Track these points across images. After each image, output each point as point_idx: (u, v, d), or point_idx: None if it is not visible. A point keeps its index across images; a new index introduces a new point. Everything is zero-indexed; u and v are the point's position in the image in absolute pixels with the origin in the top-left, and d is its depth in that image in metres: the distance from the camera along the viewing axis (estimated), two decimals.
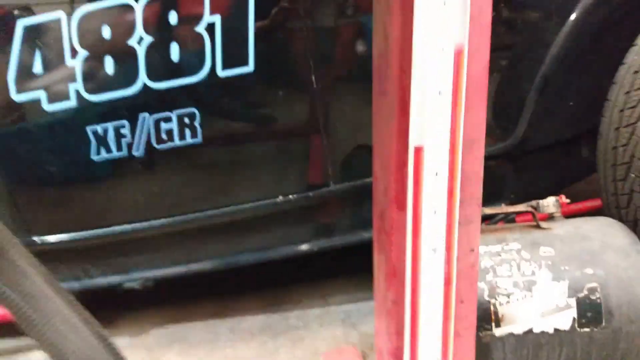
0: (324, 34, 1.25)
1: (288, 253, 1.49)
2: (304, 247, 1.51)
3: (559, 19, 1.36)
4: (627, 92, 1.18)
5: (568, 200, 1.27)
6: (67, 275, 1.52)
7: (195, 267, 1.52)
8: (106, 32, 1.15)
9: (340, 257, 1.98)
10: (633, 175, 1.17)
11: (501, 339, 1.07)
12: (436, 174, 0.49)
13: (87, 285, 1.52)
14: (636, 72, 1.17)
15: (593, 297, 1.07)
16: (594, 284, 1.08)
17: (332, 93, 1.31)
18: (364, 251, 1.65)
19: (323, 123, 1.32)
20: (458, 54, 0.45)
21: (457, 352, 0.58)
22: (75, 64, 1.17)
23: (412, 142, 0.49)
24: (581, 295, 1.07)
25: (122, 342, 1.66)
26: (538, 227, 1.19)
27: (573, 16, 1.35)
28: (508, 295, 1.08)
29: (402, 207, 0.52)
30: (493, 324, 1.07)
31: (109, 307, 1.86)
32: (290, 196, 1.36)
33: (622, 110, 1.19)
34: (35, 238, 1.40)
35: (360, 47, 1.29)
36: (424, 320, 0.53)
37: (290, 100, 1.28)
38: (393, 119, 0.52)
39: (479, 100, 0.50)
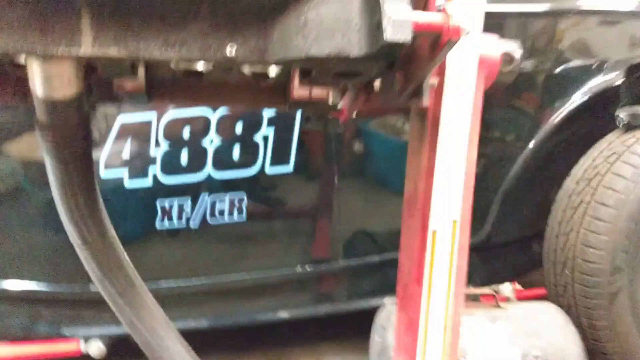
0: (348, 147, 1.67)
1: (298, 315, 1.81)
2: (310, 310, 1.83)
3: (519, 145, 1.80)
4: (564, 210, 1.61)
5: (520, 287, 1.65)
6: (109, 320, 1.79)
7: (215, 322, 1.81)
8: (186, 133, 1.53)
9: (333, 322, 2.30)
10: (567, 272, 1.57)
11: None
12: (442, 267, 0.87)
13: (127, 331, 1.79)
14: (570, 195, 1.61)
15: None
16: (538, 352, 1.43)
17: (348, 189, 1.71)
18: (356, 318, 1.98)
19: (338, 212, 1.70)
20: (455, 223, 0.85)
21: None
22: (157, 153, 1.53)
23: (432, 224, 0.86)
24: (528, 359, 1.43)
25: None
26: (498, 306, 1.56)
27: (531, 144, 1.79)
28: (474, 357, 1.43)
29: (420, 283, 0.89)
30: None
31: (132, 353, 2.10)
32: (307, 266, 1.71)
33: (559, 223, 1.61)
34: (92, 286, 1.68)
35: (369, 160, 1.71)
36: (430, 352, 0.89)
37: (317, 192, 1.67)
38: (417, 233, 0.90)
39: (465, 230, 0.89)
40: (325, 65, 0.70)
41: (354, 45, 0.65)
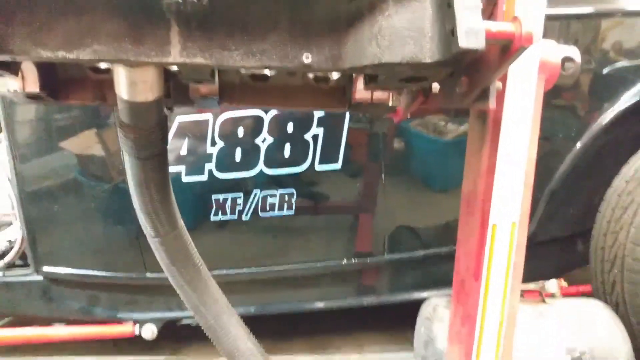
0: (392, 146, 1.70)
1: (341, 305, 1.86)
2: (353, 301, 1.88)
3: (567, 146, 1.79)
4: (613, 208, 1.60)
5: (566, 284, 1.66)
6: (162, 306, 1.89)
7: (262, 310, 1.88)
8: (240, 132, 1.59)
9: (374, 314, 2.35)
10: (616, 270, 1.57)
11: None
12: (500, 265, 0.90)
13: (178, 316, 1.88)
14: (619, 194, 1.60)
15: (584, 358, 1.44)
16: (584, 348, 1.44)
17: (392, 186, 1.74)
18: (395, 311, 2.02)
19: (382, 208, 1.74)
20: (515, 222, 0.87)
21: None
22: (213, 150, 1.60)
23: (492, 223, 0.89)
24: (575, 356, 1.44)
25: None
26: (544, 302, 1.57)
27: (578, 144, 1.78)
28: (521, 351, 1.45)
29: (478, 279, 0.92)
30: None
31: (178, 336, 2.20)
32: (352, 259, 1.76)
33: (609, 222, 1.60)
34: (149, 274, 1.78)
35: (412, 158, 1.74)
36: (485, 345, 0.92)
37: (362, 189, 1.71)
38: (476, 230, 0.93)
39: (524, 228, 0.92)
40: (396, 71, 0.73)
41: (426, 52, 0.69)
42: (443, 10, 0.68)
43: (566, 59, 0.90)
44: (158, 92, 0.84)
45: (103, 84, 0.96)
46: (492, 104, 0.77)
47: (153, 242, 1.03)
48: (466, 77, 0.78)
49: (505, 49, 0.68)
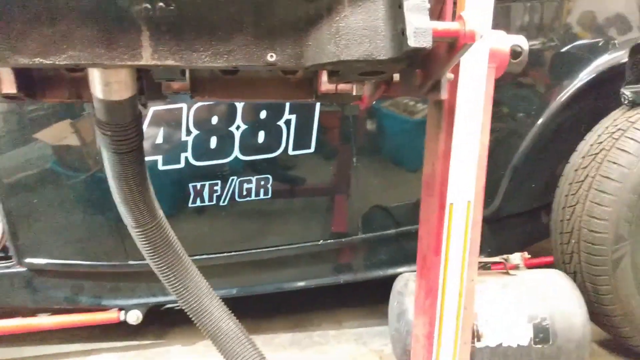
0: (363, 128, 1.77)
1: (320, 283, 1.94)
2: (331, 279, 1.97)
3: (528, 122, 1.89)
4: (570, 183, 1.70)
5: (529, 256, 1.76)
6: (145, 292, 1.94)
7: (244, 291, 1.95)
8: (214, 120, 1.64)
9: (351, 292, 2.44)
10: (573, 241, 1.67)
11: (480, 350, 1.53)
12: (457, 241, 0.97)
13: (161, 301, 1.94)
14: (576, 170, 1.70)
15: (544, 324, 1.54)
16: (545, 314, 1.55)
17: (364, 167, 1.81)
18: (372, 286, 2.11)
19: (355, 189, 1.81)
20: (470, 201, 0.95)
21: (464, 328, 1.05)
22: (188, 139, 1.64)
23: (449, 203, 0.97)
24: (536, 321, 1.54)
25: (176, 349, 2.06)
26: (507, 273, 1.67)
27: (540, 120, 1.87)
28: (486, 320, 1.55)
29: (438, 254, 1.00)
30: (475, 339, 1.53)
31: (162, 322, 2.27)
32: (330, 240, 1.83)
33: (566, 196, 1.70)
34: (131, 262, 1.83)
35: (383, 140, 1.81)
36: (447, 315, 1.01)
37: (336, 171, 1.78)
38: (435, 210, 1.00)
39: (479, 206, 1.00)
40: (354, 67, 0.79)
41: (380, 50, 0.75)
42: (394, 11, 0.73)
43: (514, 48, 0.96)
44: (132, 90, 0.88)
45: (78, 81, 1.00)
46: (443, 94, 0.84)
47: (134, 232, 1.08)
48: (420, 70, 0.85)
49: (452, 46, 0.75)
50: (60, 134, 1.78)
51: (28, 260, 1.83)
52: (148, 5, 0.72)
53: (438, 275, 1.01)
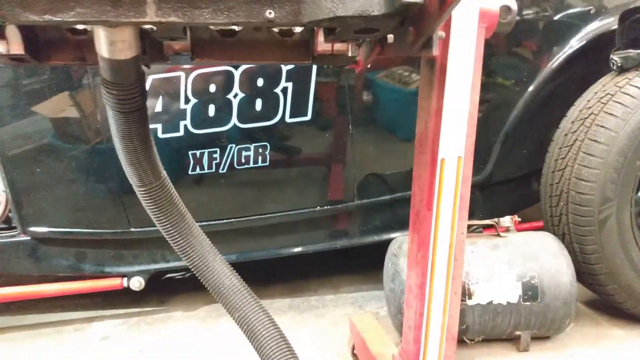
0: (358, 97, 1.81)
1: (317, 249, 2.00)
2: (328, 245, 2.02)
3: (519, 90, 1.93)
4: (560, 148, 1.75)
5: (520, 219, 1.82)
6: (147, 258, 1.99)
7: (243, 257, 2.01)
8: (212, 88, 1.67)
9: (347, 259, 2.51)
10: (562, 204, 1.73)
11: (471, 307, 1.60)
12: (448, 195, 1.02)
13: (162, 267, 1.99)
14: (566, 134, 1.74)
15: (532, 282, 1.61)
16: (533, 273, 1.61)
17: (361, 135, 1.86)
18: (367, 252, 2.18)
19: (352, 156, 1.86)
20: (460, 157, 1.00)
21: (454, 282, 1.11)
22: (187, 107, 1.68)
23: (440, 158, 1.02)
24: (525, 280, 1.61)
25: (177, 315, 2.13)
26: (498, 236, 1.73)
27: (530, 88, 1.91)
28: (477, 279, 1.61)
29: (430, 208, 1.05)
30: (467, 297, 1.60)
31: (163, 290, 2.33)
32: (326, 207, 1.89)
33: (556, 160, 1.75)
34: (133, 229, 1.88)
35: (378, 107, 1.85)
36: (438, 266, 1.06)
37: (332, 139, 1.82)
38: (427, 166, 1.05)
39: (469, 162, 1.04)
40: (349, 23, 0.82)
41: (375, 5, 0.78)
42: None
43: (504, 8, 1.00)
44: (136, 50, 0.92)
45: (82, 44, 1.03)
46: (435, 51, 0.87)
47: (139, 192, 1.12)
48: (413, 27, 0.88)
49: (443, 1, 0.78)
50: (60, 105, 1.80)
51: (32, 229, 1.87)
52: None
53: (430, 228, 1.06)
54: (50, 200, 1.83)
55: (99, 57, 0.92)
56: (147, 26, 0.93)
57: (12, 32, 0.91)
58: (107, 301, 2.24)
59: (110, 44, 0.89)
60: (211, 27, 1.00)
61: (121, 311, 2.17)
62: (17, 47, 0.93)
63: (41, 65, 1.03)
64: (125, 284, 1.99)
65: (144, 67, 1.00)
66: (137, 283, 1.97)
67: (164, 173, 1.12)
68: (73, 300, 2.25)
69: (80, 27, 0.97)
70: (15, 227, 1.97)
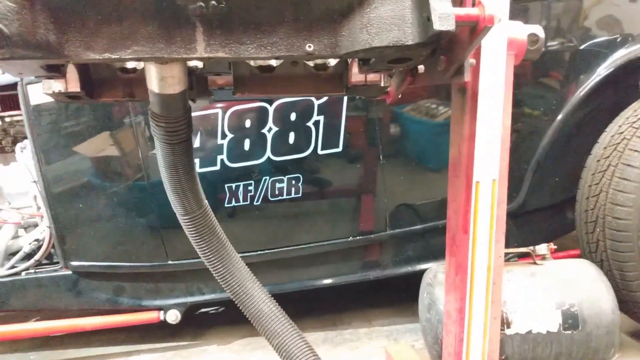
0: (389, 129, 1.85)
1: (349, 280, 2.00)
2: (361, 276, 2.02)
3: (548, 119, 1.94)
4: (593, 174, 1.74)
5: (555, 247, 1.79)
6: (183, 291, 2.03)
7: (275, 289, 2.02)
8: (247, 123, 1.74)
9: (381, 291, 2.49)
10: (598, 230, 1.71)
11: (510, 337, 1.57)
12: (484, 218, 1.04)
13: (198, 300, 2.03)
14: (598, 160, 1.74)
15: (572, 310, 1.57)
16: (573, 301, 1.58)
17: (391, 167, 1.89)
18: (400, 285, 2.16)
19: (383, 186, 1.88)
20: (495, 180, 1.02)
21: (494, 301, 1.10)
22: (224, 142, 1.74)
23: (475, 181, 1.03)
24: (564, 308, 1.57)
25: (212, 348, 2.14)
26: (535, 263, 1.71)
27: (560, 116, 1.93)
28: (515, 308, 1.59)
29: (466, 231, 1.07)
30: (505, 326, 1.57)
31: (198, 324, 2.35)
32: (359, 237, 1.90)
33: (590, 186, 1.74)
34: (170, 262, 1.92)
35: (407, 140, 1.89)
36: (477, 290, 1.06)
37: (363, 170, 1.86)
38: (462, 189, 1.07)
39: (503, 185, 1.06)
40: (384, 53, 0.87)
41: (408, 35, 0.83)
42: (420, 0, 0.82)
43: (531, 36, 1.04)
44: (183, 85, 0.98)
45: (131, 82, 1.11)
46: (466, 77, 0.91)
47: (182, 220, 1.16)
48: (444, 56, 0.93)
49: (473, 30, 0.83)
50: (101, 145, 1.90)
51: (74, 263, 1.94)
52: (202, 4, 0.81)
53: (467, 252, 1.07)
54: (91, 235, 1.90)
55: (150, 92, 0.99)
56: (194, 62, 1.00)
57: (70, 70, 0.99)
58: (144, 335, 2.27)
59: (160, 79, 0.96)
60: (251, 62, 1.06)
61: (158, 345, 2.19)
62: (74, 85, 1.01)
63: (94, 102, 1.10)
64: (162, 317, 2.02)
65: (190, 102, 1.07)
66: (173, 316, 2.00)
67: (206, 202, 1.17)
68: (110, 334, 2.29)
69: (130, 65, 1.04)
70: (57, 262, 2.05)
